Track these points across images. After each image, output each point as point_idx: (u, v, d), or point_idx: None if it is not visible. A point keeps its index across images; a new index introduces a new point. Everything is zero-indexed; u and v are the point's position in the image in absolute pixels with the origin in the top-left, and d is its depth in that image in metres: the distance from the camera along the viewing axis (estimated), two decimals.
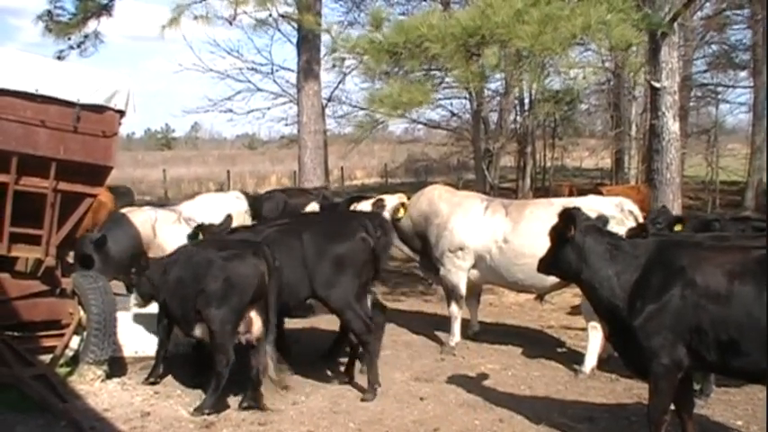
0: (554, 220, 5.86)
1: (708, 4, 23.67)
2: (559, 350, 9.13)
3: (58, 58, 19.16)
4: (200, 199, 11.47)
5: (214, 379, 6.79)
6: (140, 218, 9.70)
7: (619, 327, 5.42)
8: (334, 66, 19.32)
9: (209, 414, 6.67)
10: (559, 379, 7.91)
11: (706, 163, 27.49)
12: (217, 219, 9.28)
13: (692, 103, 27.61)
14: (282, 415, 6.69)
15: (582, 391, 7.46)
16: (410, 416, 6.68)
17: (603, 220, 6.14)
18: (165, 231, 9.71)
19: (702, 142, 28.07)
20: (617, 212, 8.14)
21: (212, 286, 6.78)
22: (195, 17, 16.73)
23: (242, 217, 10.99)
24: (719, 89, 27.26)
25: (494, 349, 8.91)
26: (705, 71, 27.52)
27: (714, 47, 26.97)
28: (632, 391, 7.31)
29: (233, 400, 7.01)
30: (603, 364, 8.04)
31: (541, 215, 8.12)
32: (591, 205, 8.21)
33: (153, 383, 7.64)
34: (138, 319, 8.40)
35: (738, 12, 24.62)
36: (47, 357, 7.49)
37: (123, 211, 10.22)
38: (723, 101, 27.73)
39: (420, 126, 31.66)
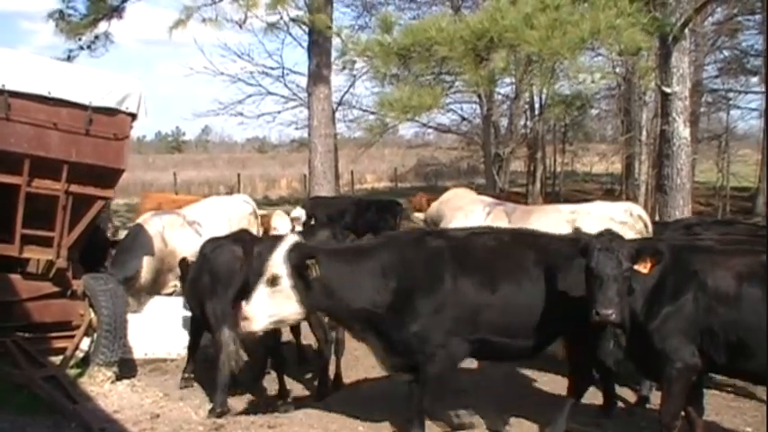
0: (561, 227, 5.80)
1: (719, 10, 23.59)
2: None
3: (68, 58, 19.29)
4: (205, 202, 11.49)
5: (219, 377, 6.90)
6: (151, 231, 9.72)
7: (633, 331, 5.40)
8: (344, 68, 19.35)
9: (220, 413, 6.73)
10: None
11: (717, 168, 27.42)
12: (221, 222, 9.31)
13: (702, 109, 27.53)
14: (292, 417, 6.70)
15: (590, 396, 7.43)
16: None
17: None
18: (174, 237, 9.75)
19: (713, 148, 28.00)
20: (626, 217, 8.11)
21: (205, 281, 6.96)
22: (204, 20, 16.82)
23: (246, 220, 11.02)
24: (731, 94, 27.19)
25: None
26: (716, 76, 27.46)
27: (725, 52, 26.90)
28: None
29: (242, 402, 7.04)
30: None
31: (548, 223, 7.92)
32: (600, 211, 8.20)
33: (186, 383, 7.79)
34: (148, 320, 8.45)
35: (750, 17, 24.53)
36: (57, 358, 7.54)
37: (139, 221, 10.19)
38: (734, 106, 27.66)
39: (430, 130, 31.81)
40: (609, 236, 5.28)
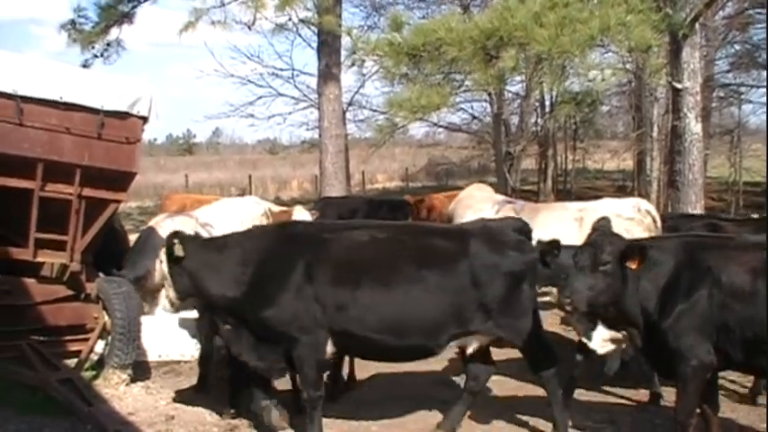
0: (569, 224, 5.79)
1: (730, 4, 23.46)
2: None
3: (83, 67, 19.37)
4: (217, 204, 11.49)
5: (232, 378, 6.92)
6: (163, 233, 9.70)
7: (647, 329, 5.38)
8: (353, 64, 19.33)
9: (234, 414, 6.76)
10: (581, 381, 7.86)
11: (729, 164, 27.25)
12: (233, 223, 9.31)
13: (714, 104, 27.35)
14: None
15: (604, 394, 7.43)
16: (432, 419, 6.66)
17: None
18: None
19: (725, 143, 27.81)
20: (634, 213, 8.09)
21: None
22: (213, 22, 16.85)
23: (258, 221, 11.01)
24: (742, 89, 26.97)
25: (514, 352, 8.86)
26: (728, 71, 27.25)
27: (737, 46, 26.70)
28: None
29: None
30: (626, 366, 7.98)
31: (555, 220, 7.94)
32: (608, 207, 8.17)
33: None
34: (162, 323, 8.47)
35: (761, 10, 24.29)
36: (72, 361, 7.59)
37: (151, 223, 10.21)
38: (746, 101, 27.42)
39: (441, 129, 31.76)
40: (599, 231, 5.43)
